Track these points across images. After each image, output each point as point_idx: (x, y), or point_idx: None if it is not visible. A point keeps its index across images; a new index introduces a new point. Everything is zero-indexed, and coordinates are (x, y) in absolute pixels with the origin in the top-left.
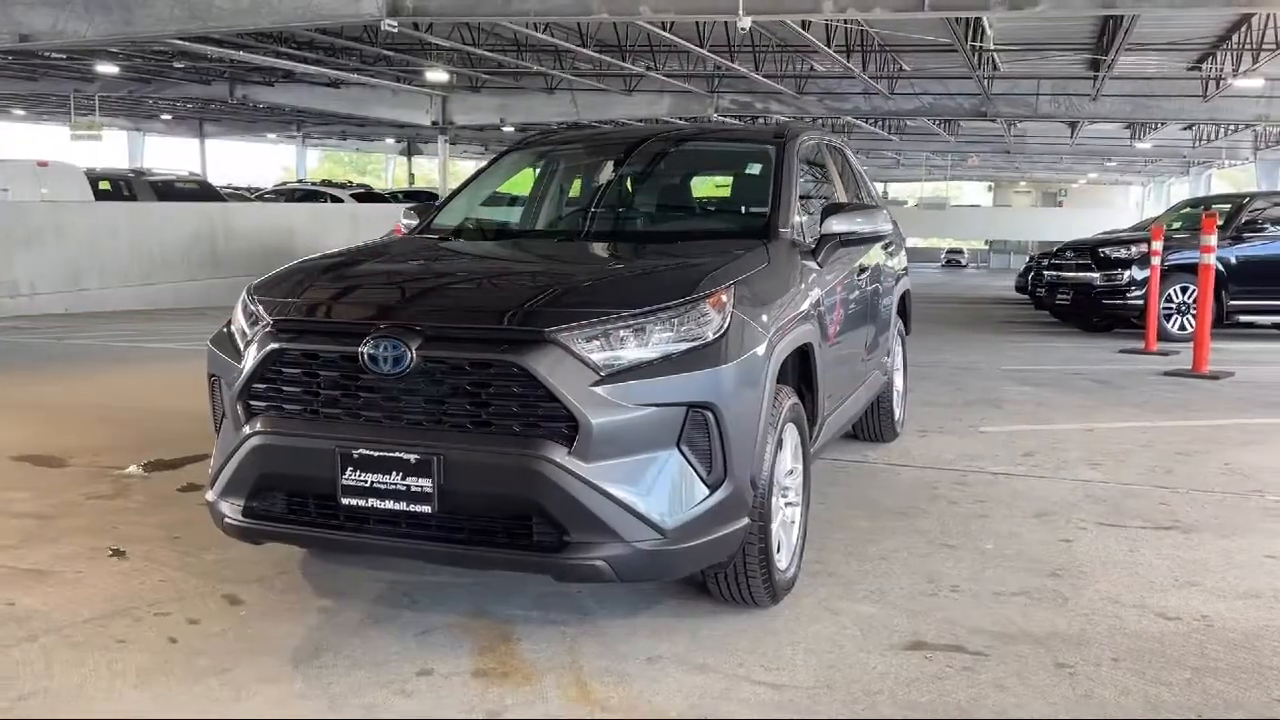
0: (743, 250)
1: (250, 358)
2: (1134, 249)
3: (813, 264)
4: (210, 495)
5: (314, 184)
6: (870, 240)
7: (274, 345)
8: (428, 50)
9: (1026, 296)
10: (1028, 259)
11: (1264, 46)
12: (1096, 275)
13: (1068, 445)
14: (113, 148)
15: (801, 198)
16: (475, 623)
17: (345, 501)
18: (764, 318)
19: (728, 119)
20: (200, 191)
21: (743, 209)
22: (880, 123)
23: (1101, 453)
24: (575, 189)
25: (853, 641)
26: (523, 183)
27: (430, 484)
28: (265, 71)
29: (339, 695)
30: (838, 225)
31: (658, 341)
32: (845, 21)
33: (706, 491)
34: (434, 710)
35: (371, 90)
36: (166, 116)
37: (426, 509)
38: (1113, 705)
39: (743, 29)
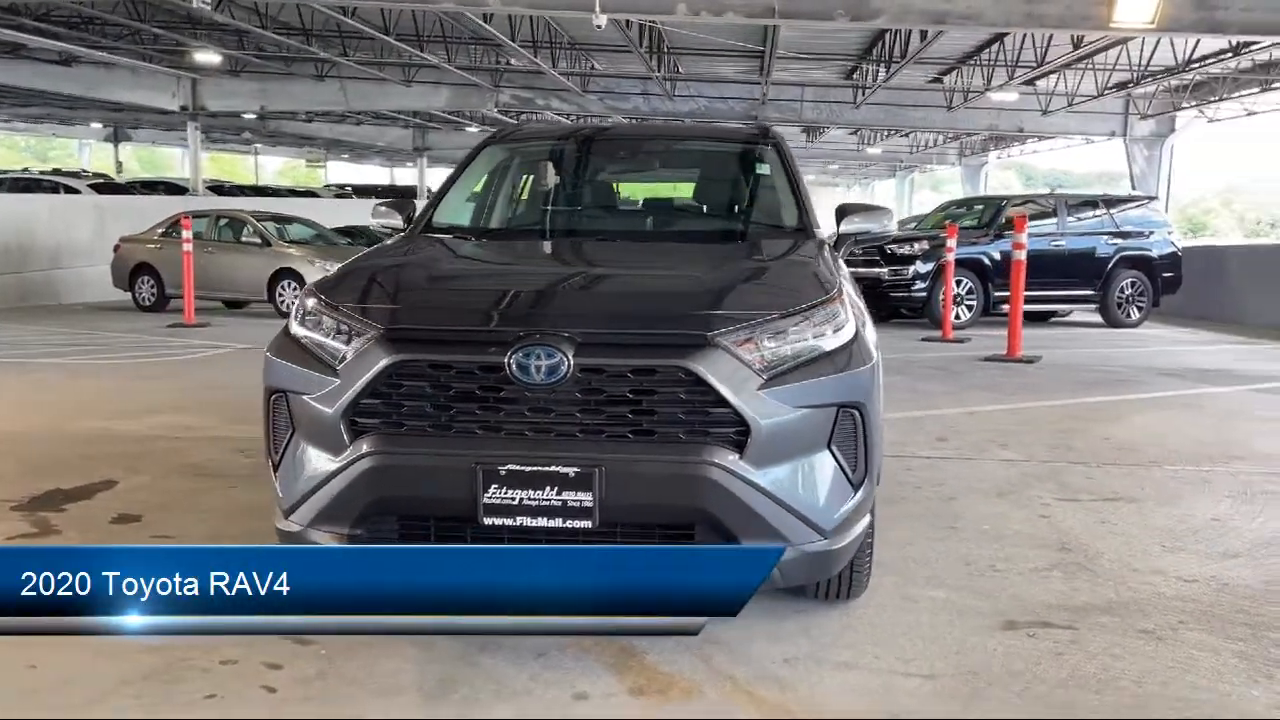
0: (799, 249)
1: (358, 370)
2: (918, 246)
3: (841, 262)
4: (290, 525)
5: (42, 172)
6: None
7: (396, 357)
8: (194, 27)
9: None
10: None
11: (998, 64)
12: (884, 270)
13: (965, 428)
14: None
15: None
16: (582, 640)
17: (487, 521)
18: (858, 314)
19: (508, 114)
20: None
21: (771, 209)
22: (579, 120)
23: (999, 433)
24: (593, 189)
25: (953, 627)
26: (514, 181)
27: (591, 498)
28: None
29: None
30: (853, 225)
31: (808, 342)
32: (647, 23)
33: (852, 491)
34: None
35: (107, 70)
36: None
37: (586, 524)
38: (1217, 664)
39: (598, 26)
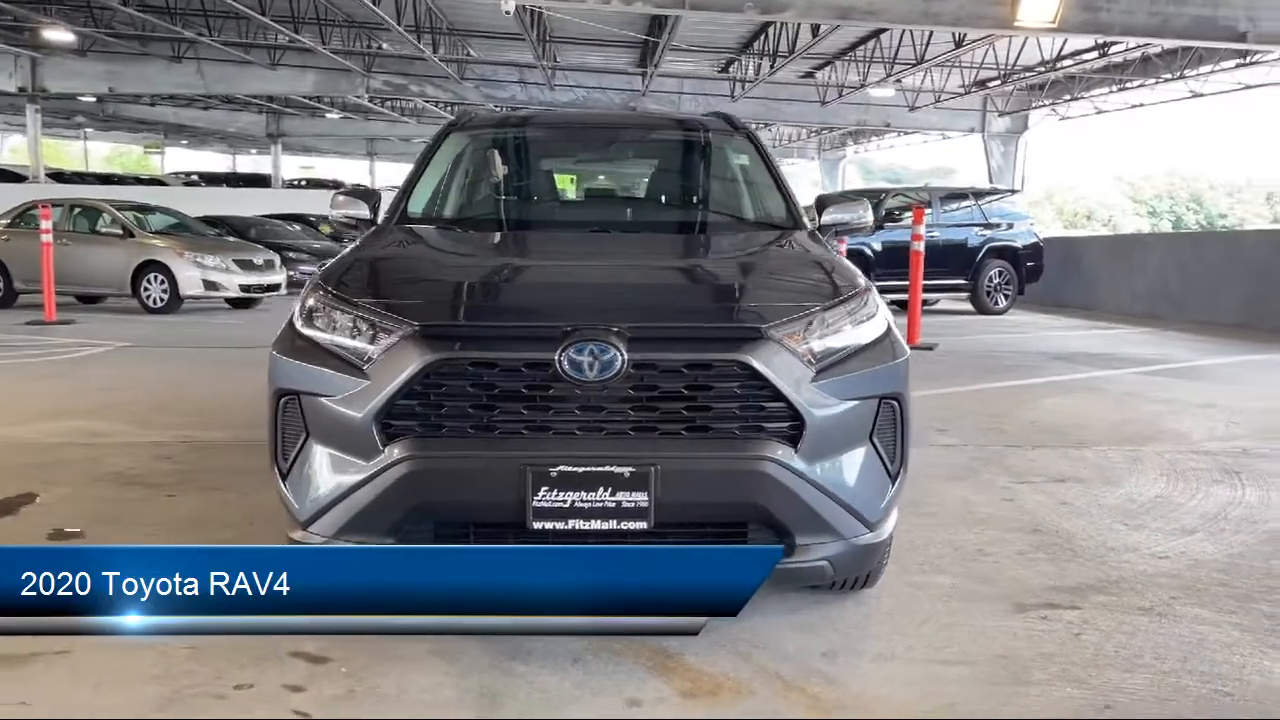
0: (806, 241)
1: (390, 371)
2: None
3: None
4: (310, 536)
5: None
6: None
7: (435, 356)
8: (38, 1)
9: None
10: None
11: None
12: None
13: None
14: None
15: None
16: (615, 643)
17: (537, 525)
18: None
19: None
20: None
21: (757, 200)
22: (450, 108)
23: (931, 419)
24: (582, 181)
25: (968, 613)
26: (493, 170)
27: (646, 498)
28: None
29: None
30: (834, 216)
31: (851, 333)
32: (538, 10)
33: (891, 482)
34: None
35: None
36: None
37: (641, 525)
38: (1222, 637)
39: (507, 12)
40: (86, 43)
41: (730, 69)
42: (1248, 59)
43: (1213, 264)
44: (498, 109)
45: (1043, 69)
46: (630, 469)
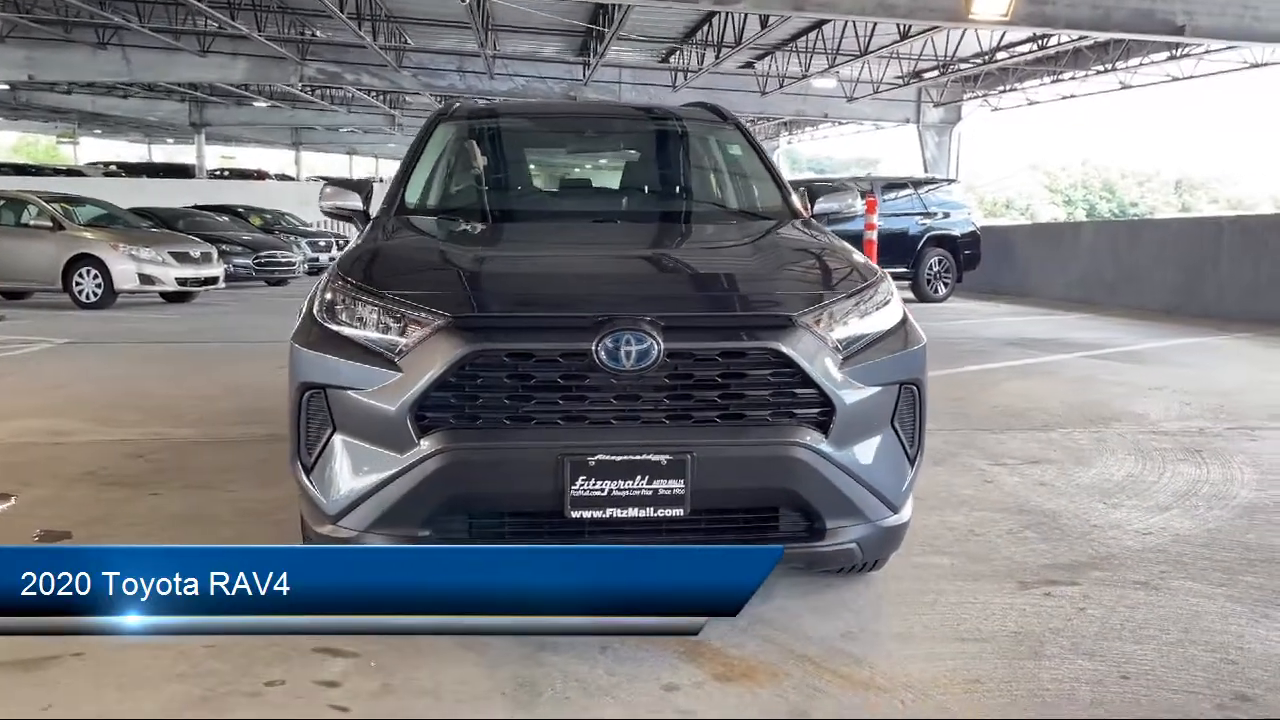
0: (810, 229)
1: (424, 363)
2: None
3: None
4: (342, 530)
5: None
6: None
7: (472, 347)
8: None
9: None
10: None
11: (816, 51)
12: None
13: None
14: None
15: None
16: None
17: (575, 514)
18: None
19: (311, 89)
20: None
21: (755, 189)
22: (382, 96)
23: None
24: (575, 171)
25: (975, 592)
26: (493, 160)
27: (682, 485)
28: None
29: None
30: (825, 205)
31: (873, 320)
32: None
33: (909, 466)
34: None
35: None
36: None
37: (678, 512)
38: (1217, 609)
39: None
40: (6, 28)
41: (671, 59)
42: (1178, 52)
43: (1143, 251)
44: (436, 99)
45: (980, 60)
46: (667, 457)
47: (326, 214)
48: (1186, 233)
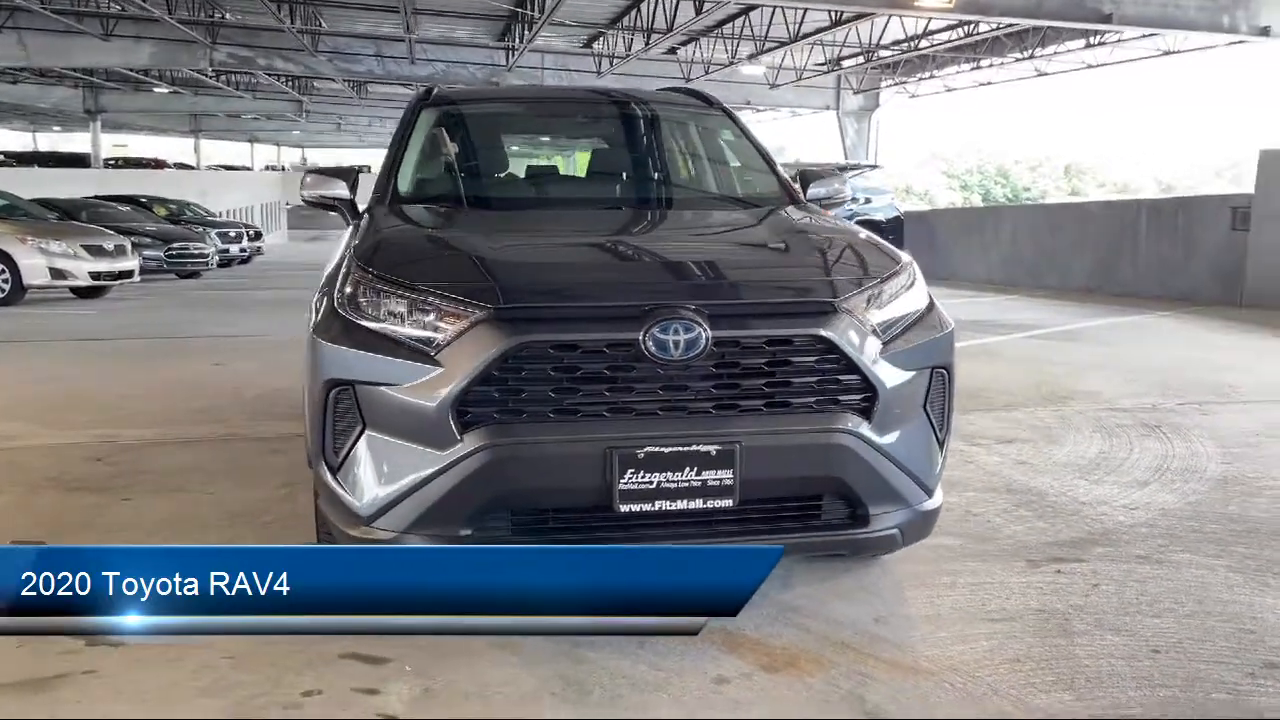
0: (820, 215)
1: (466, 356)
2: None
3: None
4: (378, 532)
5: None
6: None
7: (517, 339)
8: None
9: None
10: None
11: (744, 38)
12: None
13: None
14: None
15: None
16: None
17: (623, 508)
18: None
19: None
20: None
21: (753, 174)
22: (291, 81)
23: None
24: (571, 157)
25: (989, 572)
26: (486, 147)
27: (732, 476)
28: None
29: None
30: (818, 190)
31: (906, 305)
32: None
33: (939, 450)
34: (805, 710)
35: None
36: None
37: (727, 502)
38: (1221, 580)
39: None
40: None
41: (594, 44)
42: (1094, 39)
43: (1063, 234)
44: (350, 85)
45: (903, 48)
46: (716, 447)
47: (309, 204)
48: (1104, 216)
